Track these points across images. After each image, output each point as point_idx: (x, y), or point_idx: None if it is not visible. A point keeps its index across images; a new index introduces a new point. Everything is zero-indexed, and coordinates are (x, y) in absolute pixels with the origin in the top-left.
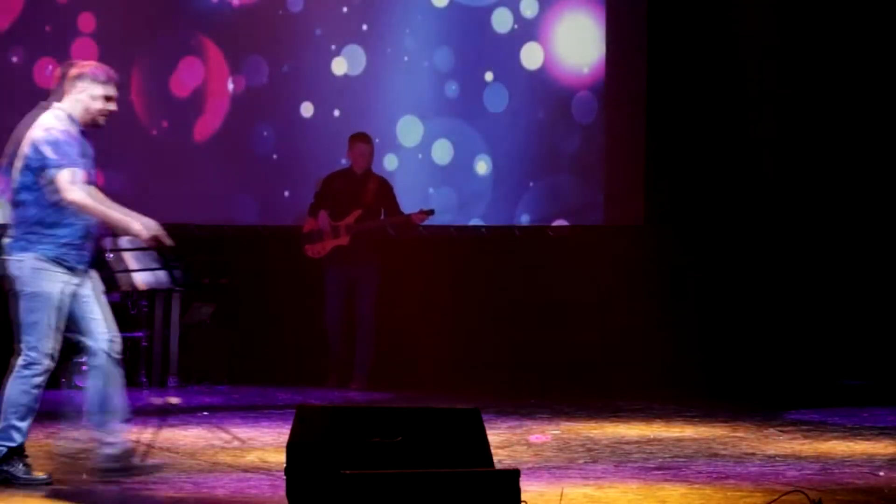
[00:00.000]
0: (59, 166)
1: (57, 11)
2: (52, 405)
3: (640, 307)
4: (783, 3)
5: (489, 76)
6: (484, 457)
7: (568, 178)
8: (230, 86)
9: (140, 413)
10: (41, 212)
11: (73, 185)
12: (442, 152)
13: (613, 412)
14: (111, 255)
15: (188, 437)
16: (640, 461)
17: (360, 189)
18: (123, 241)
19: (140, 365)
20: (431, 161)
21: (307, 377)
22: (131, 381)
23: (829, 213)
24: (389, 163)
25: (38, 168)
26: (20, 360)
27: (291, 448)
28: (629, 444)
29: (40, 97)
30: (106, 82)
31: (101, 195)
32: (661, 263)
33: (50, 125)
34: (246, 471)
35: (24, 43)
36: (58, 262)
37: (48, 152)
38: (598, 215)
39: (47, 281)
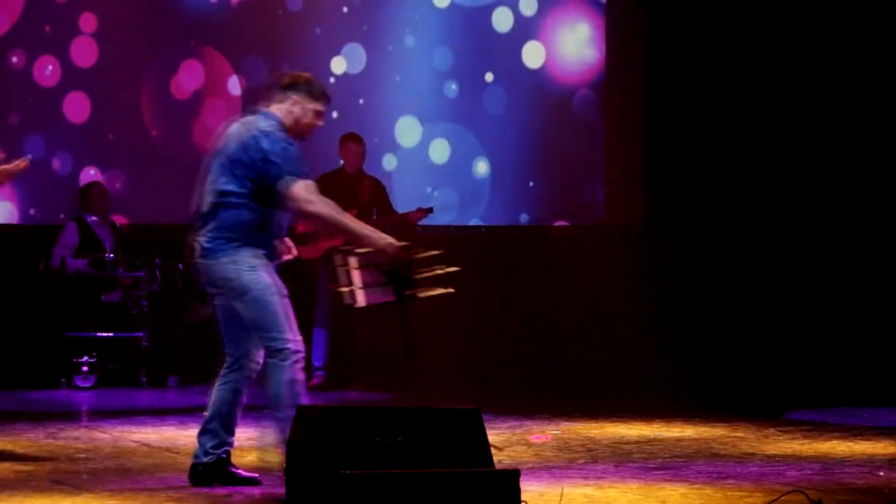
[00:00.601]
0: (294, 176)
1: (57, 11)
2: (52, 405)
3: (639, 307)
4: (783, 3)
5: (489, 76)
6: (484, 457)
7: (568, 178)
8: (230, 86)
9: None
10: (253, 215)
11: (312, 195)
12: (441, 152)
13: (613, 412)
14: (340, 270)
15: (188, 437)
16: (640, 461)
17: (353, 189)
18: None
19: (140, 365)
20: (431, 161)
21: (307, 377)
22: (131, 382)
23: (830, 213)
24: (388, 163)
25: (258, 175)
26: (276, 359)
27: (291, 448)
28: (629, 444)
29: (40, 97)
30: (319, 98)
31: (337, 206)
32: (661, 263)
33: (271, 133)
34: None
35: (24, 43)
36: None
37: (278, 161)
38: (598, 215)
39: (266, 273)
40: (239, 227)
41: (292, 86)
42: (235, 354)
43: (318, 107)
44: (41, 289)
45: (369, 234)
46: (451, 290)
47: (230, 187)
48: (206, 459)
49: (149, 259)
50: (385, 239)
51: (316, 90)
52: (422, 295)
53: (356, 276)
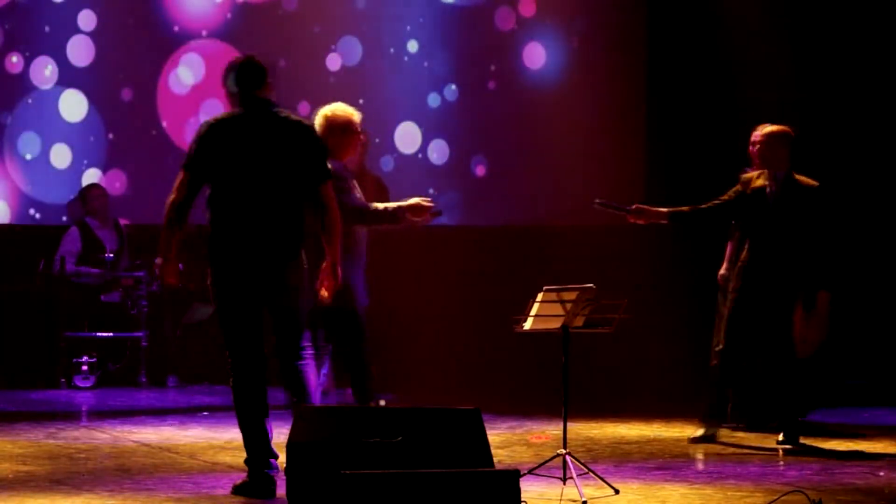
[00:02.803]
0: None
1: (56, 9)
2: (52, 405)
3: (640, 307)
4: (784, 5)
5: (489, 76)
6: (484, 457)
7: (568, 178)
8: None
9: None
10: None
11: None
12: (440, 153)
13: (613, 412)
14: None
15: (188, 437)
16: (640, 461)
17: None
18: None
19: (140, 365)
20: (430, 162)
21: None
22: (131, 382)
23: (830, 213)
24: (387, 164)
25: None
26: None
27: (291, 448)
28: (629, 444)
29: (38, 96)
30: None
31: None
32: (662, 263)
33: None
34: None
35: (21, 41)
36: None
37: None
38: (598, 215)
39: None
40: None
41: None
42: None
43: None
44: (41, 289)
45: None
46: (609, 329)
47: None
48: None
49: (149, 259)
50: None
51: None
52: (583, 329)
53: (535, 307)
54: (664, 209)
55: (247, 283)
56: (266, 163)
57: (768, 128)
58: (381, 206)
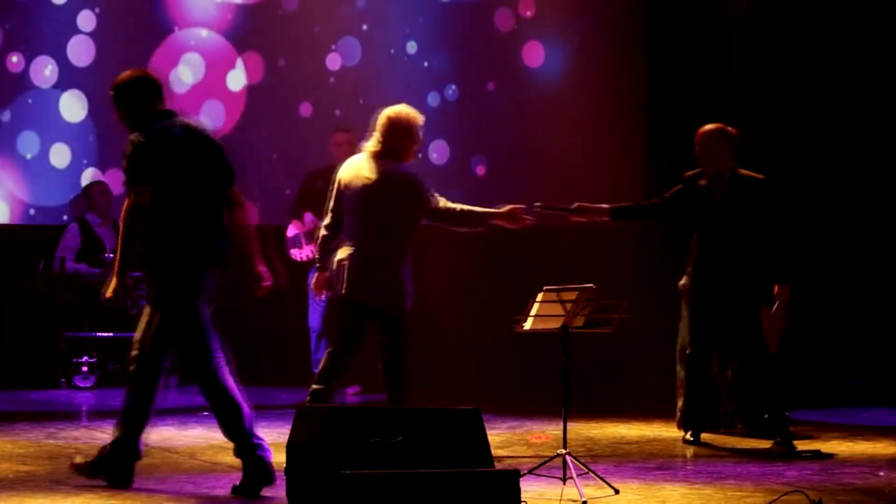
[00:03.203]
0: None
1: (56, 9)
2: (52, 405)
3: (640, 307)
4: (784, 5)
5: (489, 76)
6: (484, 457)
7: (568, 178)
8: (229, 84)
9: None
10: None
11: None
12: (440, 153)
13: (613, 412)
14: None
15: (188, 437)
16: (640, 461)
17: None
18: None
19: None
20: (430, 162)
21: (307, 377)
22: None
23: (831, 213)
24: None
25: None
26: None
27: (291, 448)
28: (629, 444)
29: (38, 96)
30: None
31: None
32: (662, 263)
33: None
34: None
35: (23, 42)
36: None
37: None
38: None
39: None
40: None
41: None
42: None
43: None
44: (41, 289)
45: None
46: (609, 329)
47: None
48: None
49: None
50: None
51: None
52: (583, 329)
53: (535, 307)
54: (606, 205)
55: (189, 293)
56: (189, 175)
57: (704, 127)
58: (467, 207)
